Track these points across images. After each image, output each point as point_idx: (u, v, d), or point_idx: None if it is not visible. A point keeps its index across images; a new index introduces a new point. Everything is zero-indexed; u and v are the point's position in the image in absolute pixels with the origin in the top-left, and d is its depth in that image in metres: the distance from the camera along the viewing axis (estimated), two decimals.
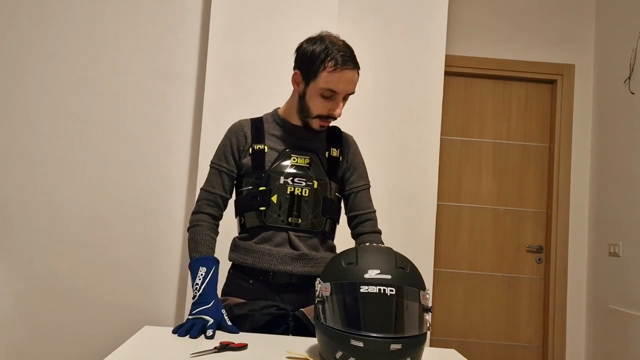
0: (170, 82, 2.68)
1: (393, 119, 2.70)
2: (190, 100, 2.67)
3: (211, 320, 1.26)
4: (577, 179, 3.18)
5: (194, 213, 1.50)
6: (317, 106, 1.41)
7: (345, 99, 1.42)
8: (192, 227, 1.47)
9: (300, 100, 1.44)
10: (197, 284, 1.34)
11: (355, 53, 1.43)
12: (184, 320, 1.30)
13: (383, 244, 1.49)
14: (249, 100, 2.45)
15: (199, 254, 1.41)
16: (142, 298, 2.58)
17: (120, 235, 2.60)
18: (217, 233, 1.51)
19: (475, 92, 3.29)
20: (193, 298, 1.33)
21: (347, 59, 1.37)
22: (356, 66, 1.40)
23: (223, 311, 1.31)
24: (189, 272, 1.41)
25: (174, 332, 1.25)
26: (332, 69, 1.36)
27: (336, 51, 1.37)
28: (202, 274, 1.35)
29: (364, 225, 1.55)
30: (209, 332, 1.22)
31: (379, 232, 1.56)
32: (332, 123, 1.53)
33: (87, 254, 2.59)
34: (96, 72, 2.67)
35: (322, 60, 1.37)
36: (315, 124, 1.44)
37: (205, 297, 1.31)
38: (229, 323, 1.30)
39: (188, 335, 1.22)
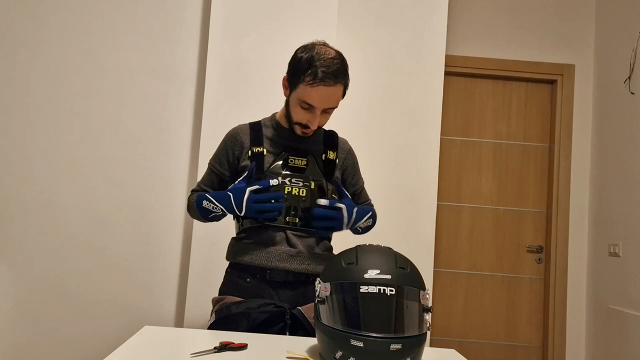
0: (170, 82, 2.67)
1: (393, 119, 2.70)
2: (190, 100, 2.67)
3: (247, 189, 1.38)
4: (577, 179, 3.18)
5: (188, 199, 1.59)
6: (296, 114, 1.44)
7: (327, 112, 1.43)
8: (188, 204, 1.57)
9: (286, 105, 1.49)
10: (213, 207, 1.43)
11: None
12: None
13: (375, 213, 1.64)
14: (249, 100, 2.45)
15: (195, 202, 1.49)
16: (142, 298, 2.58)
17: (120, 235, 2.60)
18: None
19: (475, 92, 3.29)
20: (225, 211, 1.43)
21: (326, 74, 1.35)
22: (338, 82, 1.37)
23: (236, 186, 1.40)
24: (204, 209, 1.46)
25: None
26: (309, 82, 1.36)
27: (319, 64, 1.35)
28: (207, 202, 1.44)
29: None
30: (272, 181, 1.39)
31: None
32: (330, 125, 1.54)
33: (87, 254, 2.58)
34: (96, 72, 2.66)
35: (303, 71, 1.37)
36: (297, 129, 1.47)
37: (222, 200, 1.42)
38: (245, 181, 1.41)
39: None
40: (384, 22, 2.73)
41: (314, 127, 1.43)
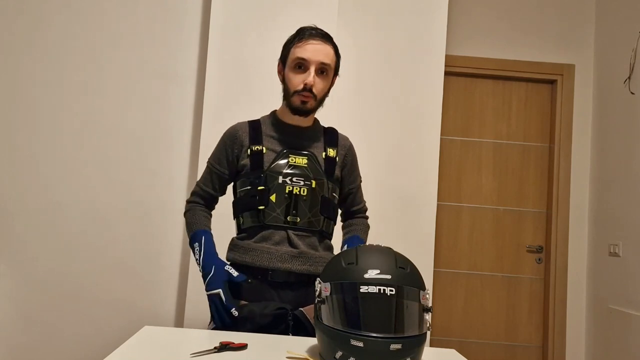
0: (170, 82, 2.68)
1: (393, 119, 2.70)
2: (190, 100, 2.67)
3: (220, 291, 1.35)
4: (577, 179, 3.18)
5: (187, 202, 1.59)
6: (292, 82, 1.45)
7: (323, 72, 1.45)
8: (186, 212, 1.57)
9: (283, 86, 1.50)
10: (197, 259, 1.45)
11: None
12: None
13: (369, 226, 1.69)
14: (249, 100, 2.45)
15: (192, 232, 1.51)
16: (142, 297, 2.58)
17: (120, 235, 2.60)
18: (210, 215, 1.59)
19: (475, 92, 3.29)
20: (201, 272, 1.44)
21: (314, 33, 1.45)
22: (327, 41, 1.46)
23: (226, 267, 1.40)
24: (192, 253, 1.51)
25: (214, 328, 1.37)
26: (300, 42, 1.44)
27: (305, 30, 1.46)
28: (197, 249, 1.46)
29: (358, 215, 1.69)
30: (233, 311, 1.34)
31: (367, 217, 1.72)
32: (330, 124, 1.54)
33: (87, 254, 2.59)
34: (96, 72, 2.67)
35: (293, 39, 1.47)
36: (296, 100, 1.46)
37: (206, 267, 1.41)
38: (235, 274, 1.39)
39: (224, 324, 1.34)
40: (384, 23, 2.73)
41: (309, 83, 1.42)
